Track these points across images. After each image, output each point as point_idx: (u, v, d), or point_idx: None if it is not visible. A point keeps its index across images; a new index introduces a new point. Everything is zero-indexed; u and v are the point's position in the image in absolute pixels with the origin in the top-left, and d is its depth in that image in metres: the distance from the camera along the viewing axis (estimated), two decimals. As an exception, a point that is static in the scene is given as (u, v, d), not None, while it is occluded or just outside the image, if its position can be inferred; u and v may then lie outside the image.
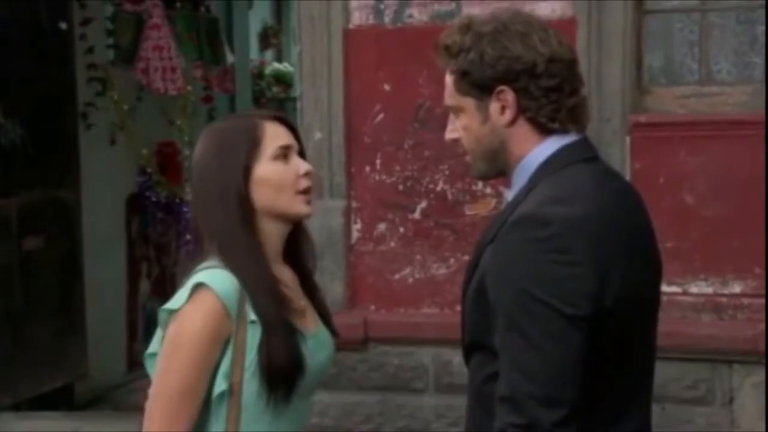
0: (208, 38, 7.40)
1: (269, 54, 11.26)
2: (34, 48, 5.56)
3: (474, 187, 4.55)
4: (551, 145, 1.89)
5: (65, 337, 5.74)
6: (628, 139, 4.40)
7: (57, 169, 5.73)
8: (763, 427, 4.14)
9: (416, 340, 4.61)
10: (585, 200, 1.83)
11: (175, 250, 7.08)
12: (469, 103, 1.91)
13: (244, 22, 8.86)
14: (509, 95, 1.87)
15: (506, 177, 1.96)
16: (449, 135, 1.99)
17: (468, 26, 1.91)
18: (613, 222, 1.84)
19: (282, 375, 2.04)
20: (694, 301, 4.37)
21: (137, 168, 6.66)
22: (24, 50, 5.50)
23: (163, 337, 2.06)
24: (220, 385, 2.03)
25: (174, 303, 2.04)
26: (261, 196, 2.11)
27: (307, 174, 2.15)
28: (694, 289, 4.37)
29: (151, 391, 2.04)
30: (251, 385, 2.04)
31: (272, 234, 2.14)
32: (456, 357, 4.16)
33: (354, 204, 4.72)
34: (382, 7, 4.65)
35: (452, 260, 4.60)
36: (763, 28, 4.31)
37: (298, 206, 2.14)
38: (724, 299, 4.35)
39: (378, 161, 4.68)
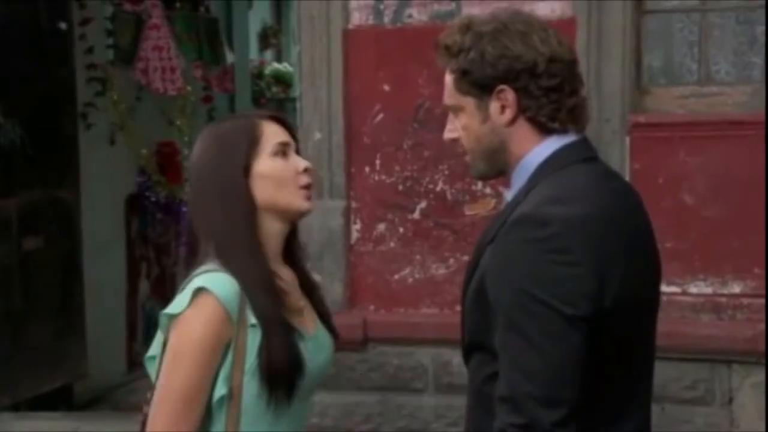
0: (207, 38, 7.40)
1: (269, 54, 11.26)
2: (33, 48, 5.56)
3: (473, 187, 4.55)
4: (551, 145, 1.90)
5: (65, 337, 5.74)
6: (627, 140, 4.40)
7: (57, 169, 5.72)
8: (762, 427, 4.14)
9: (416, 340, 4.61)
10: (584, 200, 1.83)
11: (174, 250, 7.08)
12: (469, 102, 1.91)
13: (243, 22, 8.86)
14: (509, 94, 1.88)
15: (506, 177, 1.97)
16: (448, 135, 1.99)
17: (468, 26, 1.91)
18: (612, 222, 1.84)
19: (282, 376, 2.03)
20: (693, 301, 4.37)
21: (137, 168, 6.67)
22: (23, 50, 5.50)
23: (163, 341, 2.06)
24: (221, 389, 2.02)
25: (175, 307, 2.03)
26: (263, 192, 2.11)
27: (306, 170, 2.15)
28: (693, 289, 4.37)
29: (154, 398, 2.03)
30: (251, 387, 2.03)
31: (272, 233, 2.14)
32: (455, 357, 4.16)
33: (354, 204, 4.71)
34: (381, 7, 4.64)
35: (452, 260, 4.60)
36: (762, 28, 4.31)
37: (299, 201, 2.13)
38: (723, 299, 4.35)
39: (377, 161, 4.67)
